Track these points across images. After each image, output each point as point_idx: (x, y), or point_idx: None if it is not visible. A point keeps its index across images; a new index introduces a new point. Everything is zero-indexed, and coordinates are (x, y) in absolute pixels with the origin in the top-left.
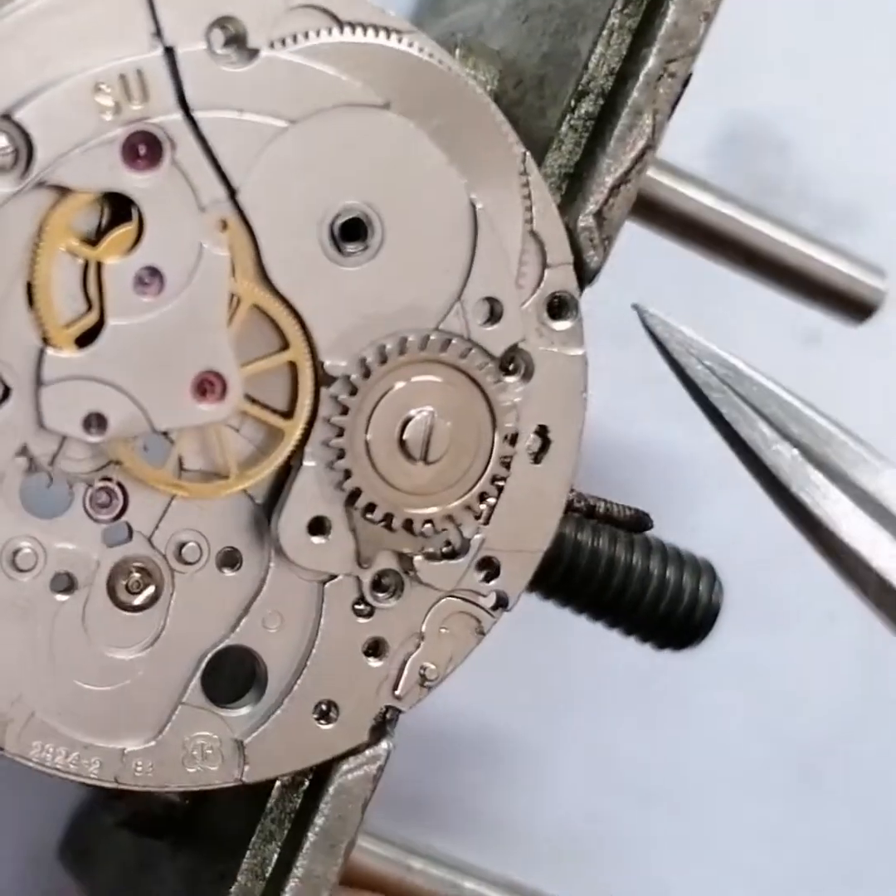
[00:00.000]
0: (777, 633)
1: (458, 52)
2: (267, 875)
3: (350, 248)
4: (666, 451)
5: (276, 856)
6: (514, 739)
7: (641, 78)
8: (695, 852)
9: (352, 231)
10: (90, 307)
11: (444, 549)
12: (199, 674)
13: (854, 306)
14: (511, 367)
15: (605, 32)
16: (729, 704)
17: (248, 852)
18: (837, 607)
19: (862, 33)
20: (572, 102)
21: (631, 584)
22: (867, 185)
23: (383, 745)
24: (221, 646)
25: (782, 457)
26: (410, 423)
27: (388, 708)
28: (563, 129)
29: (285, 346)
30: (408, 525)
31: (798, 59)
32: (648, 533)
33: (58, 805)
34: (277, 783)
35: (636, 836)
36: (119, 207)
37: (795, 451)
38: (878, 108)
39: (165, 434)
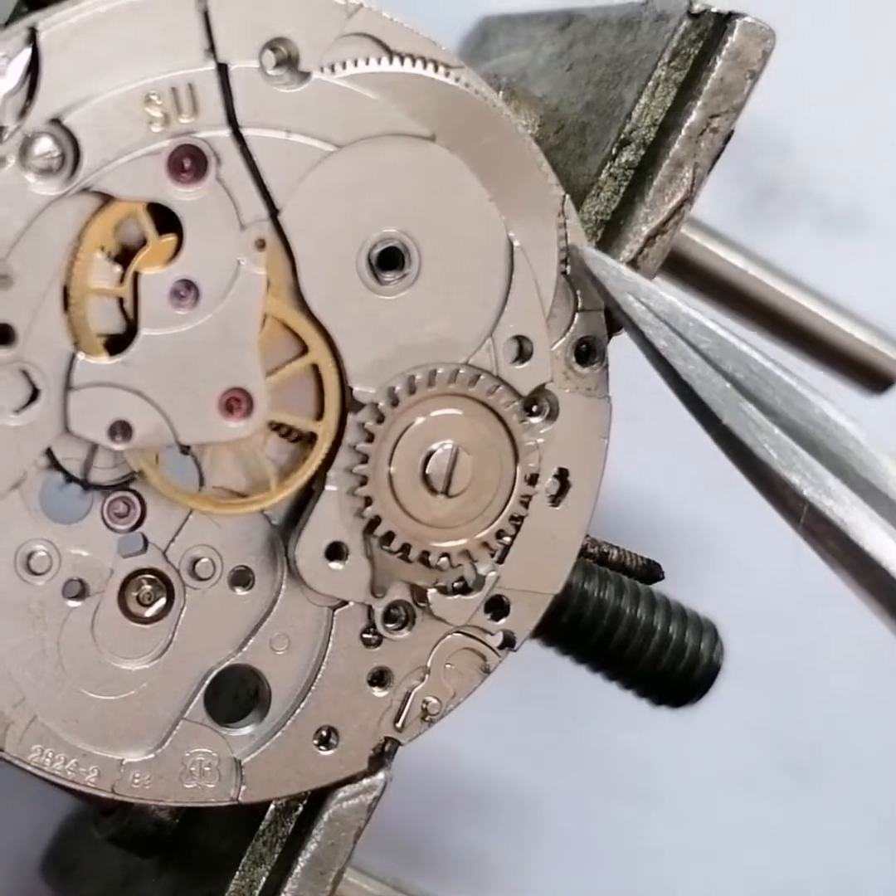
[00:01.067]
0: (777, 633)
1: (500, 95)
2: None
3: (387, 276)
4: (676, 508)
5: (264, 879)
6: (511, 747)
7: (684, 131)
8: (695, 852)
9: (389, 260)
10: (124, 316)
11: (458, 584)
12: (203, 690)
13: (873, 378)
14: (536, 407)
15: (650, 84)
16: (729, 704)
17: (237, 873)
18: (837, 608)
19: (862, 33)
20: (613, 151)
21: (633, 638)
22: (867, 185)
23: (380, 775)
24: (227, 664)
25: (715, 389)
26: (434, 456)
27: (387, 739)
28: (603, 176)
29: (315, 370)
30: (424, 557)
31: (798, 60)
32: (653, 588)
33: (42, 820)
34: (272, 806)
35: (635, 837)
36: (160, 219)
37: (728, 385)
38: (878, 108)
39: (187, 448)
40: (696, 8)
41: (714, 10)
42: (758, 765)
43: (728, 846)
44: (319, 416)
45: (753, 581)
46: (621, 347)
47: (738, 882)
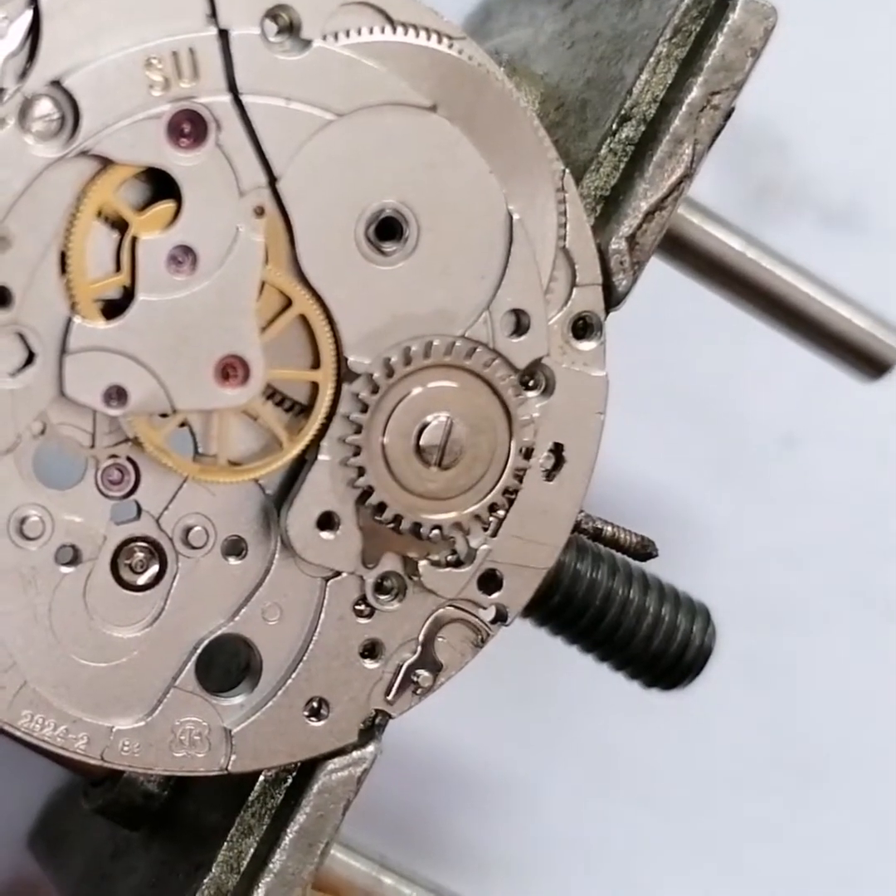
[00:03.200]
0: (777, 633)
1: (502, 71)
2: (242, 869)
3: (386, 246)
4: (677, 496)
5: (252, 850)
6: (511, 741)
7: (684, 107)
8: (695, 852)
9: (388, 230)
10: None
11: (450, 557)
12: (194, 659)
13: (869, 362)
14: (532, 381)
15: (651, 60)
16: (729, 704)
17: (224, 844)
18: (837, 607)
19: (862, 33)
20: (614, 126)
21: (625, 619)
22: (867, 185)
23: (370, 748)
24: (219, 633)
25: None
26: (428, 428)
27: (378, 712)
28: (603, 151)
29: (312, 338)
30: (416, 529)
31: (798, 59)
32: (647, 571)
33: (31, 793)
34: (261, 777)
35: (634, 837)
36: (159, 184)
37: None
38: (878, 108)
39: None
40: None
41: None
42: (758, 763)
43: (728, 846)
44: (314, 385)
45: (754, 576)
46: (621, 329)
47: (739, 882)
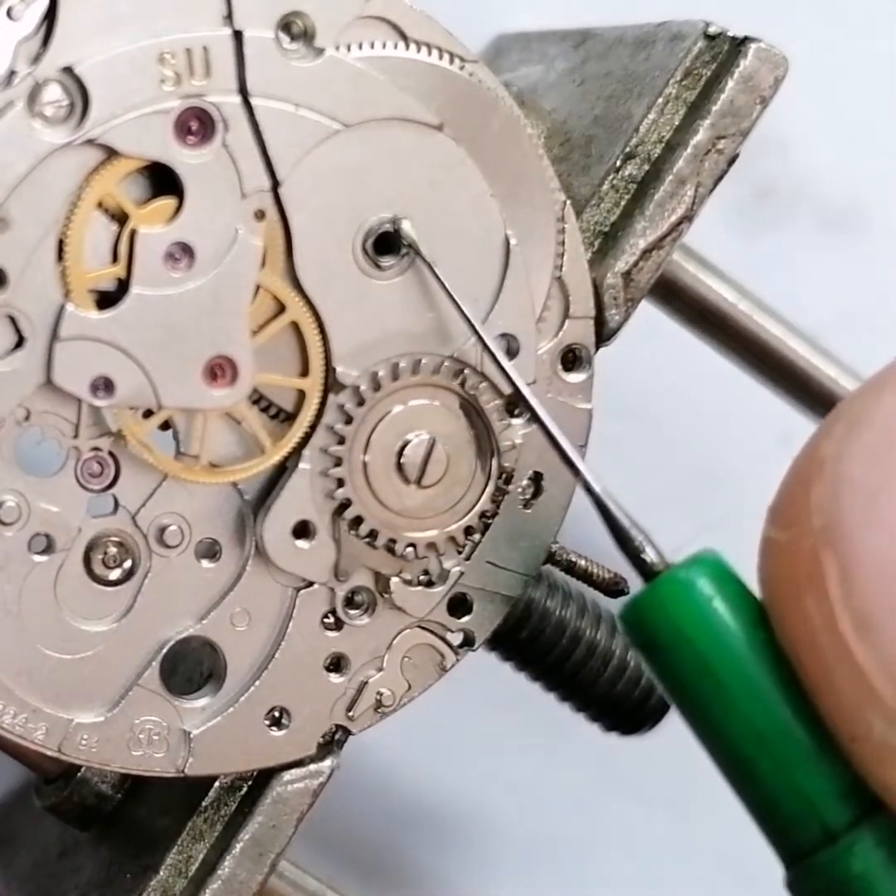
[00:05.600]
0: None
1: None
2: (190, 874)
3: (383, 260)
4: (665, 495)
5: (202, 856)
6: (508, 749)
7: (690, 149)
8: (694, 852)
9: (386, 244)
10: None
11: (422, 577)
12: (159, 658)
13: None
14: (517, 409)
15: (660, 101)
16: None
17: (175, 848)
18: None
19: (861, 33)
20: (618, 163)
21: (590, 661)
22: (866, 185)
23: (328, 762)
24: (186, 634)
25: None
26: (410, 445)
27: (338, 727)
28: (605, 187)
29: (302, 346)
30: (391, 545)
31: (797, 59)
32: (615, 614)
33: None
34: (216, 784)
35: (634, 837)
36: (161, 181)
37: None
38: (878, 108)
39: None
40: (713, 30)
41: (730, 33)
42: None
43: (728, 846)
44: (300, 392)
45: (751, 576)
46: (607, 362)
47: (739, 881)
